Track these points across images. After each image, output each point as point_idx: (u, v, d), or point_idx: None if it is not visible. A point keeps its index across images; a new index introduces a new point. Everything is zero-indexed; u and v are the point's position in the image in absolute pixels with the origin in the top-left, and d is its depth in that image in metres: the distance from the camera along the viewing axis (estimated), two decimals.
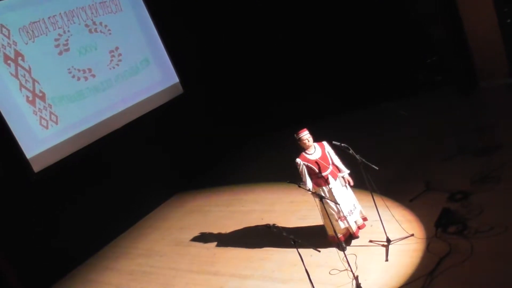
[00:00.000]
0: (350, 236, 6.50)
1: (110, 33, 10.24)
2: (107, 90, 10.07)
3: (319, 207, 6.14)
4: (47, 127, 9.15)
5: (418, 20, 9.90)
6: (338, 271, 5.98)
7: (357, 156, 5.95)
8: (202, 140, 11.71)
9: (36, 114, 9.02)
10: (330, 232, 6.35)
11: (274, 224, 5.15)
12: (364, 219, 6.57)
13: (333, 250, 6.32)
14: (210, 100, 12.06)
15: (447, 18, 9.23)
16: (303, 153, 6.24)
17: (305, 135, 6.19)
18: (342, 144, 6.03)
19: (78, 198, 9.40)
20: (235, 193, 9.80)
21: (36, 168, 8.90)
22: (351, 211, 6.33)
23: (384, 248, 6.03)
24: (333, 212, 6.23)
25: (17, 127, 8.73)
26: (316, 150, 6.24)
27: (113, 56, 10.23)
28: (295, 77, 11.73)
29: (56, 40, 9.39)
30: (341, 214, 6.24)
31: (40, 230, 8.86)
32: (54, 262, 8.90)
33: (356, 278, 5.55)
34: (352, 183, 6.35)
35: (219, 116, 12.11)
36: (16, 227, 8.53)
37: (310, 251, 5.68)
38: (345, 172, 6.32)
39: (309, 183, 6.18)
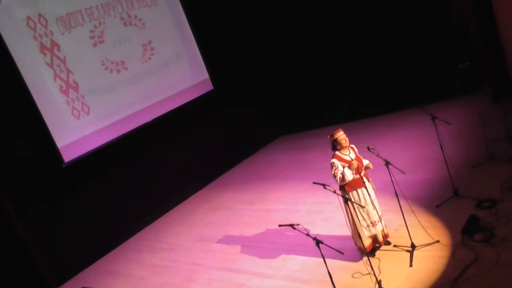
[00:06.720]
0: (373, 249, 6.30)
1: (144, 27, 10.36)
2: (139, 83, 10.19)
3: (350, 214, 5.96)
4: (79, 118, 9.29)
5: (452, 26, 9.75)
6: (361, 275, 5.93)
7: (384, 159, 5.90)
8: (229, 137, 11.76)
9: (68, 104, 9.17)
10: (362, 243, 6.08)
11: (298, 224, 5.12)
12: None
13: (357, 253, 6.29)
14: (239, 99, 12.10)
15: (482, 22, 9.04)
16: (337, 153, 6.08)
17: (342, 135, 6.08)
18: (370, 147, 5.99)
19: (105, 189, 9.55)
20: (259, 191, 9.82)
21: (67, 157, 9.05)
22: (380, 216, 6.20)
23: (408, 254, 5.97)
24: (364, 218, 6.06)
25: (49, 116, 8.89)
26: (350, 152, 6.16)
27: (145, 49, 10.35)
28: (326, 80, 11.69)
29: (91, 31, 9.54)
30: (373, 219, 6.09)
31: (67, 219, 9.02)
32: (79, 252, 9.05)
33: (379, 282, 5.50)
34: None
35: (247, 115, 12.14)
36: (44, 215, 8.71)
37: (333, 252, 5.64)
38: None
39: (350, 175, 5.94)
